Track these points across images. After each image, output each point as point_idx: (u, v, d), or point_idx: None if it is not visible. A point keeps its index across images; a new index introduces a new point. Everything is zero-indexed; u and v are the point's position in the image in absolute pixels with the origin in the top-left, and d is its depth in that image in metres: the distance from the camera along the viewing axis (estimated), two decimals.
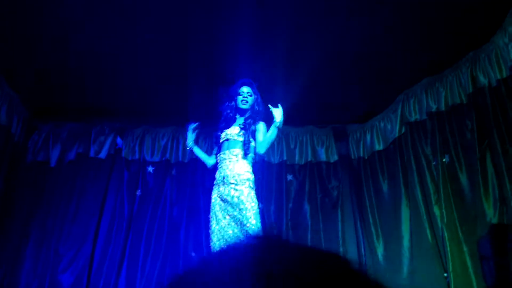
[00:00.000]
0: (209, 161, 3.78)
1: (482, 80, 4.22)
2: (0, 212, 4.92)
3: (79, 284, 4.88)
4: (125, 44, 4.42)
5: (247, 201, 3.30)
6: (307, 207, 5.49)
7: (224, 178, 3.43)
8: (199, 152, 3.91)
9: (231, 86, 3.78)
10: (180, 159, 5.70)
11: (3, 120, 4.94)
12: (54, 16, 4.04)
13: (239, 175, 3.41)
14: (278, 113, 3.47)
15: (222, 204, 3.35)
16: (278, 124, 3.45)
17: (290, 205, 5.51)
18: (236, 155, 3.51)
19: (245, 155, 3.51)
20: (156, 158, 5.73)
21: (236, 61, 4.31)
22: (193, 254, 5.13)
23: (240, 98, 3.71)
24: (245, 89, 3.74)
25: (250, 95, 3.73)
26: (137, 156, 5.71)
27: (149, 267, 5.09)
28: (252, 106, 3.73)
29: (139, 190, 5.51)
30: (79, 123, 5.77)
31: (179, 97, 5.24)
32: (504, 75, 3.98)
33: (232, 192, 3.34)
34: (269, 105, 3.57)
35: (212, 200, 3.47)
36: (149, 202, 5.44)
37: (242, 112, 3.76)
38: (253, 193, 3.40)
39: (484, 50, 4.25)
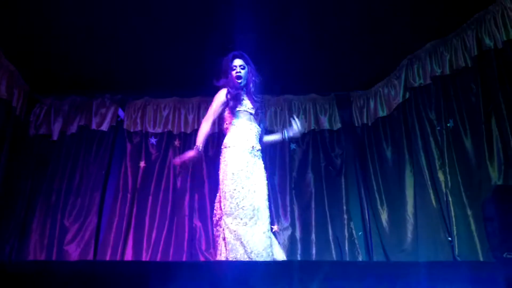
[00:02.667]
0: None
1: (488, 42, 4.13)
2: (5, 186, 4.93)
3: (86, 254, 4.94)
4: (124, 12, 4.33)
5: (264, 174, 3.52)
6: (311, 175, 5.49)
7: (253, 148, 3.47)
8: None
9: (223, 59, 3.72)
10: (183, 129, 5.67)
11: (3, 94, 4.91)
12: None
13: (260, 149, 3.57)
14: (294, 126, 3.70)
15: (250, 174, 3.36)
16: (286, 137, 3.72)
17: (294, 173, 5.50)
18: (257, 128, 3.60)
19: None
20: (159, 129, 5.70)
21: (236, 31, 4.24)
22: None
23: (233, 73, 3.66)
24: (237, 62, 3.69)
25: (243, 68, 3.68)
26: (139, 128, 5.69)
27: (155, 238, 5.14)
28: (248, 78, 3.70)
29: (142, 162, 5.52)
30: (80, 95, 5.73)
31: (180, 67, 5.18)
32: (511, 36, 3.89)
33: (261, 164, 3.50)
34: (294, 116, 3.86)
35: (241, 164, 3.37)
36: (152, 173, 5.45)
37: (240, 87, 3.71)
38: None
39: (490, 11, 4.14)
